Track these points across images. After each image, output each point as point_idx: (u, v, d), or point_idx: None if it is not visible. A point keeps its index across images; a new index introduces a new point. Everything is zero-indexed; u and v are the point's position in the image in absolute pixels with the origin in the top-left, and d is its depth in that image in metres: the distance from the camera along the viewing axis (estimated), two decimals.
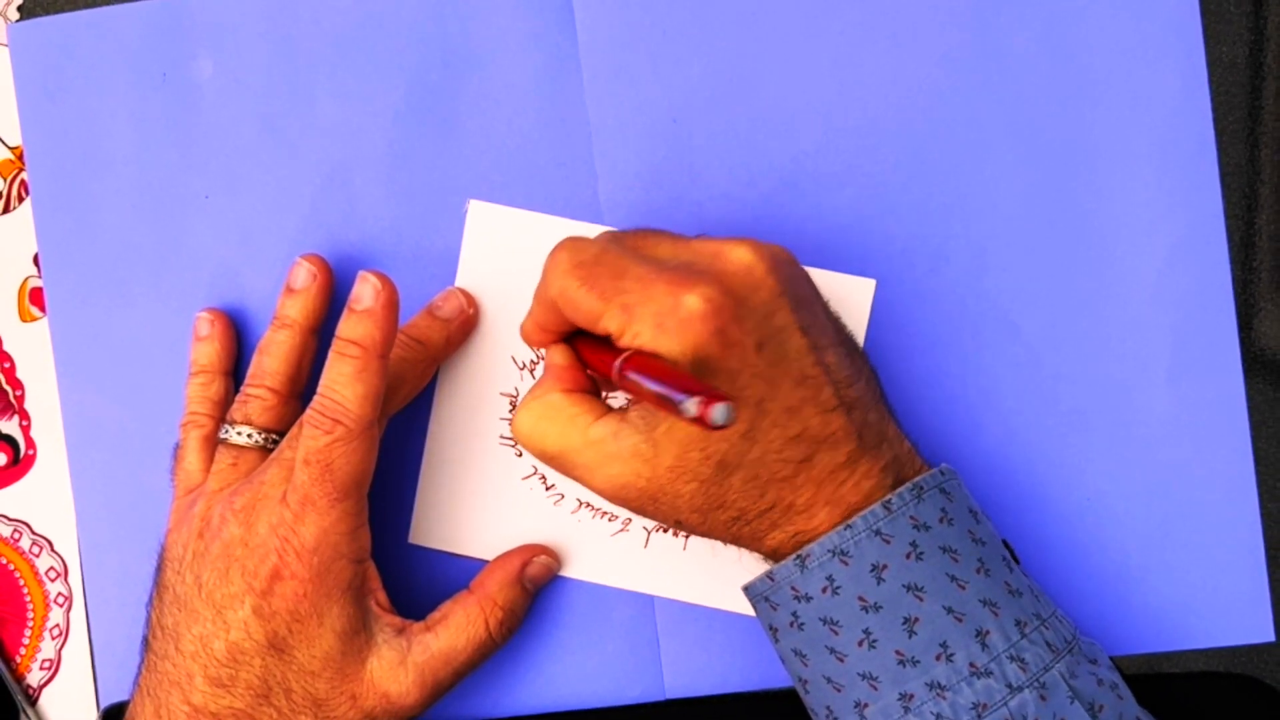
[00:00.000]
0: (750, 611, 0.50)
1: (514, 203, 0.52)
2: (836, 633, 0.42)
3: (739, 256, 0.42)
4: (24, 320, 0.54)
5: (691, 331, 0.40)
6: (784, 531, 0.43)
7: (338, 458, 0.44)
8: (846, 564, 0.41)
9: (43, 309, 0.53)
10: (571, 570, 0.51)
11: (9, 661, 0.53)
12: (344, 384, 0.44)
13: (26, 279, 0.53)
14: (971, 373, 0.51)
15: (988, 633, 0.41)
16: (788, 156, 0.51)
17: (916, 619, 0.41)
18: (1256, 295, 0.51)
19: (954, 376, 0.51)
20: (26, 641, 0.53)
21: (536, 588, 0.50)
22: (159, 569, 0.48)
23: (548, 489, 0.51)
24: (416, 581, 0.51)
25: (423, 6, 0.52)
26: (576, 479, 0.44)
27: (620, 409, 0.44)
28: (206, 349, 0.51)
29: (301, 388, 0.49)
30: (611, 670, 0.51)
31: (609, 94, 0.51)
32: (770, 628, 0.44)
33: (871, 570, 0.41)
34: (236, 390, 0.50)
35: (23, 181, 0.53)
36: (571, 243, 0.43)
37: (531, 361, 0.51)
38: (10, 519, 0.54)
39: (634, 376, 0.39)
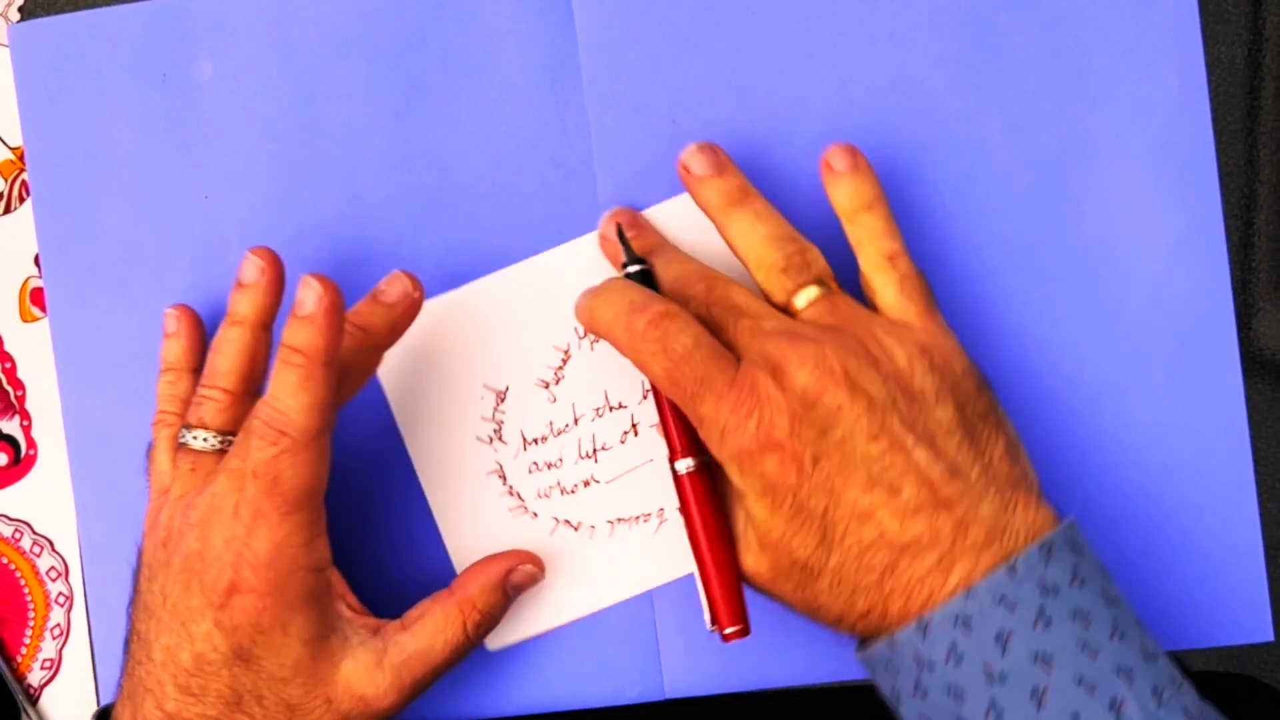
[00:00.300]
0: (748, 593, 0.50)
1: (515, 202, 0.52)
2: (961, 702, 0.40)
3: (800, 376, 0.43)
4: (25, 320, 0.54)
5: (746, 454, 0.43)
6: (893, 623, 0.42)
7: (284, 469, 0.43)
8: (969, 633, 0.40)
9: (43, 309, 0.53)
10: (563, 611, 0.51)
11: (10, 661, 0.53)
12: (288, 393, 0.43)
13: (27, 279, 0.54)
14: None
15: (1123, 703, 0.39)
16: (786, 157, 0.51)
17: (1045, 690, 0.39)
18: (1255, 295, 0.51)
19: None
20: (27, 641, 0.53)
21: (517, 594, 0.49)
22: (135, 573, 0.47)
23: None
24: (392, 577, 0.51)
25: (422, 8, 0.52)
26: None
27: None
28: (174, 346, 0.50)
29: (257, 385, 0.48)
30: (611, 670, 0.51)
31: (608, 95, 0.51)
32: (892, 691, 0.43)
33: (996, 639, 0.40)
34: None
35: (23, 182, 0.53)
36: (668, 324, 0.44)
37: (495, 431, 0.51)
38: (11, 519, 0.54)
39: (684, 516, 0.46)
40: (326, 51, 0.52)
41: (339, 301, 0.44)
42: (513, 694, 0.52)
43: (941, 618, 0.40)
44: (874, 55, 0.51)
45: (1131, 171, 0.51)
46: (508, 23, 0.52)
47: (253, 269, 0.48)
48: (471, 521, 0.51)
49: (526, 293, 0.51)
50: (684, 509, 0.46)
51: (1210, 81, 0.51)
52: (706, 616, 0.45)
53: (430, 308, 0.51)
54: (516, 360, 0.51)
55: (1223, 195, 0.51)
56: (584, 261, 0.51)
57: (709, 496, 0.45)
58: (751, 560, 0.44)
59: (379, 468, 0.52)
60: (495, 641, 0.51)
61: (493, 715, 0.52)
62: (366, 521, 0.51)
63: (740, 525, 0.45)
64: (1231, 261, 0.51)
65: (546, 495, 0.51)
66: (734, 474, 0.44)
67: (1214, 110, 0.51)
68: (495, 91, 0.52)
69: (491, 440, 0.51)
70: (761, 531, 0.44)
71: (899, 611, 0.42)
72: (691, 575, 0.51)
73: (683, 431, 0.46)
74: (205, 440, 0.47)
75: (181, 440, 0.47)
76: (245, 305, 0.48)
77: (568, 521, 0.51)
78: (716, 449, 0.44)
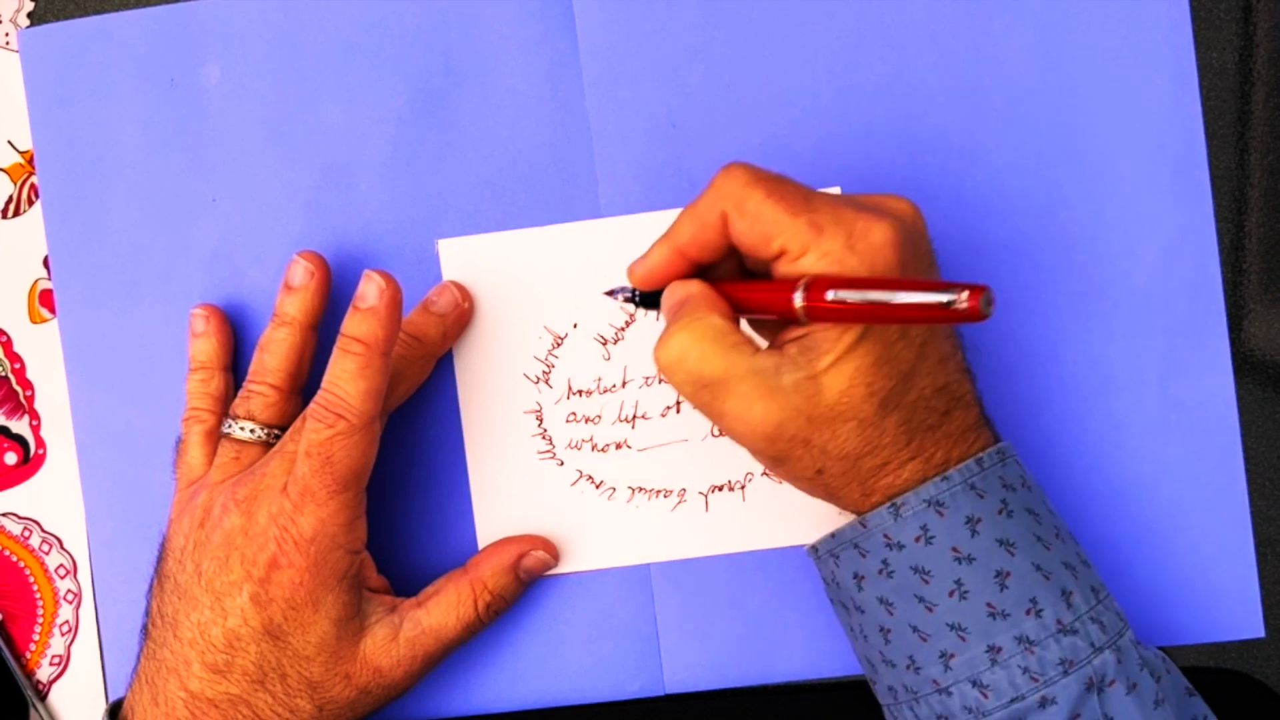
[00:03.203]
0: (748, 589, 0.51)
1: (517, 205, 0.52)
2: (927, 582, 0.42)
3: (904, 207, 0.43)
4: (34, 322, 0.54)
5: (883, 257, 0.40)
6: (912, 488, 0.42)
7: (338, 450, 0.45)
8: (942, 515, 0.42)
9: (52, 310, 0.54)
10: (571, 564, 0.52)
11: (19, 657, 0.54)
12: (347, 380, 0.45)
13: (36, 281, 0.54)
14: None
15: (1071, 593, 0.42)
16: (785, 160, 0.51)
17: (1008, 573, 0.42)
18: (1246, 297, 0.52)
19: None
20: (36, 638, 0.54)
21: (530, 579, 0.51)
22: (160, 559, 0.48)
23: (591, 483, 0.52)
24: (414, 557, 0.52)
25: (426, 13, 0.52)
26: (730, 413, 0.41)
27: (776, 347, 0.42)
28: (204, 345, 0.51)
29: (302, 383, 0.50)
30: (612, 666, 0.52)
31: (609, 99, 0.52)
32: (855, 575, 0.44)
33: (966, 522, 0.42)
34: (235, 385, 0.51)
35: (33, 185, 0.54)
36: (745, 165, 0.42)
37: (544, 373, 0.52)
38: (21, 517, 0.54)
39: (848, 294, 0.38)
40: (331, 57, 0.52)
41: (399, 296, 0.46)
42: (515, 688, 0.52)
43: (915, 500, 0.42)
44: (871, 61, 0.52)
45: (1124, 175, 0.51)
46: (510, 29, 0.52)
47: (302, 272, 0.49)
48: (498, 454, 0.52)
49: (609, 249, 0.52)
50: (847, 286, 0.39)
51: (1202, 86, 0.51)
52: (961, 300, 0.36)
53: (513, 239, 0.52)
54: (583, 309, 0.52)
55: (1214, 198, 0.51)
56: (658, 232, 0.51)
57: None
58: (820, 393, 0.41)
59: (405, 451, 0.52)
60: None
61: (495, 710, 0.52)
62: (396, 502, 0.52)
63: (812, 356, 0.41)
64: (1223, 264, 0.51)
65: (577, 447, 0.52)
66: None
67: (1206, 114, 0.51)
68: (498, 96, 0.52)
69: (538, 381, 0.52)
70: (858, 351, 0.41)
71: (941, 459, 0.42)
72: (692, 564, 0.51)
73: (770, 292, 0.41)
74: (253, 431, 0.48)
75: (226, 430, 0.49)
76: (294, 306, 0.49)
77: (590, 478, 0.52)
78: (837, 257, 0.40)
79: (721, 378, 0.41)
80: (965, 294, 0.36)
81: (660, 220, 0.51)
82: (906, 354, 0.41)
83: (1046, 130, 0.51)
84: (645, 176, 0.52)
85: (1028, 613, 0.41)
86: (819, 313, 0.39)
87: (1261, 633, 0.51)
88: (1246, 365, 0.52)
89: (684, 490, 0.51)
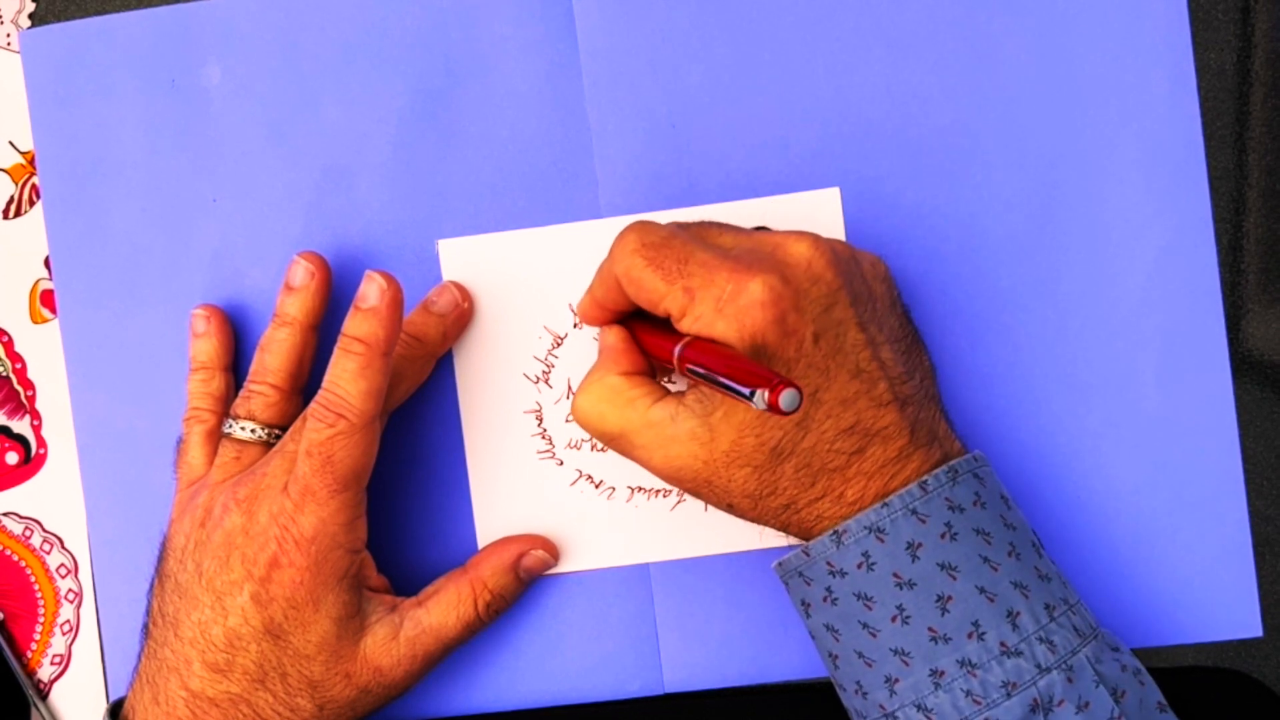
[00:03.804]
0: (748, 588, 0.51)
1: (517, 206, 0.52)
2: (870, 608, 0.42)
3: (800, 250, 0.43)
4: (35, 322, 0.54)
5: (750, 317, 0.42)
6: (831, 521, 0.44)
7: (339, 450, 0.45)
8: (882, 541, 0.42)
9: (53, 311, 0.54)
10: (570, 563, 0.52)
11: (20, 657, 0.54)
12: (348, 380, 0.45)
13: (37, 281, 0.54)
14: (962, 375, 0.51)
15: (1018, 614, 0.42)
16: (785, 161, 0.52)
17: (950, 597, 0.42)
18: (1244, 297, 0.52)
19: (944, 379, 0.51)
20: (38, 637, 0.54)
21: (531, 578, 0.51)
22: (161, 558, 0.48)
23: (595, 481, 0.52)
24: (414, 556, 0.52)
25: (426, 14, 0.52)
26: (635, 459, 0.46)
27: (678, 393, 0.45)
28: (205, 345, 0.51)
29: (303, 384, 0.50)
30: (611, 665, 0.52)
31: (609, 99, 0.52)
32: (803, 603, 0.45)
33: (907, 548, 0.42)
34: (235, 385, 0.51)
35: (34, 185, 0.54)
36: (640, 226, 0.45)
37: (544, 373, 0.52)
38: (22, 517, 0.54)
39: (696, 368, 0.41)
40: (332, 57, 0.53)
41: (400, 297, 0.46)
42: (514, 688, 0.52)
43: (856, 526, 0.42)
44: (869, 61, 0.52)
45: (1123, 175, 0.51)
46: (510, 29, 0.52)
47: (302, 272, 0.50)
48: (498, 453, 0.52)
49: (607, 249, 0.52)
50: (699, 356, 0.41)
51: (1200, 87, 0.51)
52: (759, 396, 0.38)
53: (513, 239, 0.52)
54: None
55: (1212, 199, 0.51)
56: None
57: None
58: (713, 440, 0.43)
59: (405, 451, 0.52)
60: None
61: (494, 709, 0.52)
62: (395, 501, 0.52)
63: (708, 405, 0.44)
64: (1221, 264, 0.51)
65: (577, 447, 0.52)
66: (729, 339, 0.42)
67: (1204, 115, 0.51)
68: (498, 97, 0.52)
69: (538, 380, 0.52)
70: (738, 409, 0.43)
71: (854, 496, 0.43)
72: (691, 563, 0.51)
73: (660, 337, 0.45)
74: (253, 431, 0.48)
75: (227, 431, 0.49)
76: (294, 307, 0.49)
77: (590, 477, 0.52)
78: (709, 325, 0.42)
79: (620, 432, 0.45)
80: (763, 394, 0.37)
81: (659, 220, 0.51)
82: None
83: (1045, 131, 0.51)
84: (645, 176, 0.52)
85: (970, 636, 0.42)
86: (692, 377, 0.42)
87: (1259, 632, 0.51)
88: (1244, 365, 0.52)
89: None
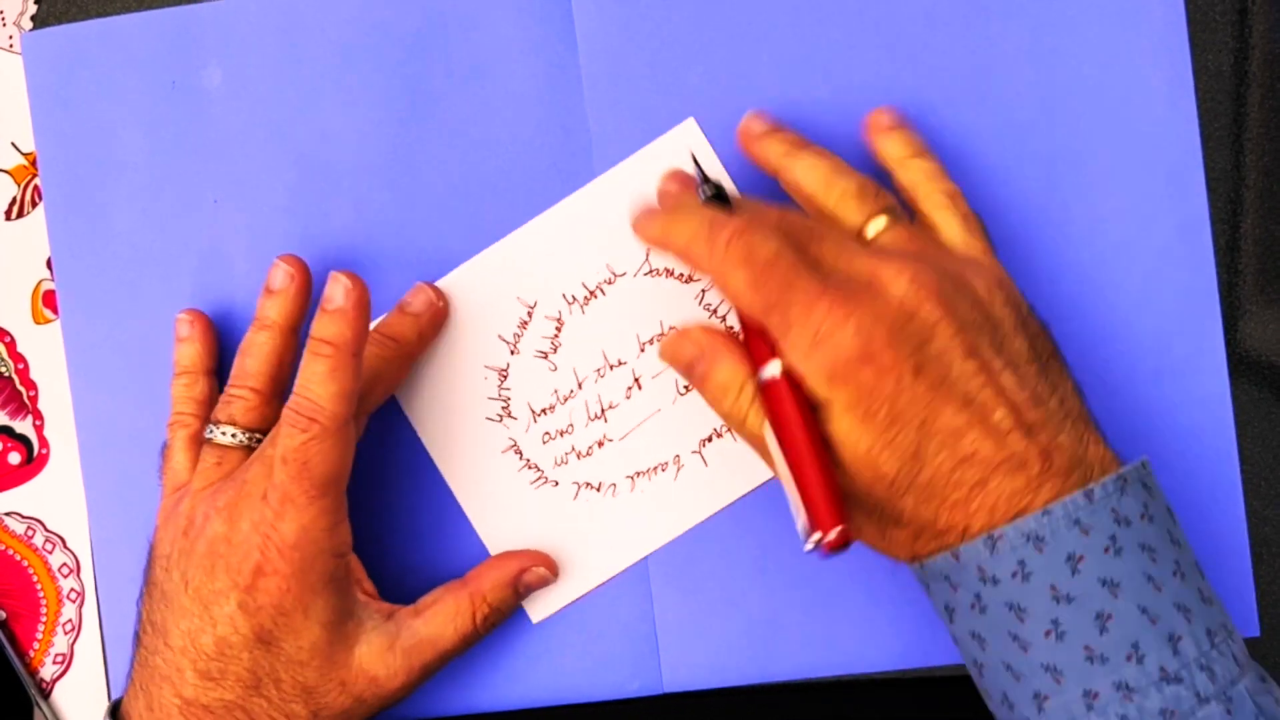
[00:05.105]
0: (748, 588, 0.51)
1: (517, 207, 0.52)
2: (1022, 620, 0.40)
3: (896, 288, 0.42)
4: (37, 322, 0.54)
5: (840, 362, 0.41)
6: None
7: (314, 455, 0.45)
8: (1041, 551, 0.40)
9: (55, 311, 0.54)
10: (601, 570, 0.52)
11: (23, 656, 0.54)
12: (318, 383, 0.45)
13: (40, 282, 0.54)
14: None
15: (1180, 638, 0.40)
16: None
17: (1110, 615, 0.40)
18: (1241, 298, 0.52)
19: None
20: (40, 636, 0.54)
21: (529, 593, 0.51)
22: (148, 566, 0.48)
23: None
24: (412, 563, 0.52)
25: (426, 16, 0.53)
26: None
27: None
28: (188, 350, 0.51)
29: (284, 387, 0.50)
30: (610, 664, 0.52)
31: (609, 101, 0.52)
32: (946, 608, 0.43)
33: (1067, 560, 0.40)
34: (219, 390, 0.51)
35: (36, 187, 0.54)
36: (751, 234, 0.43)
37: (503, 410, 0.52)
38: (24, 516, 0.54)
39: (770, 435, 0.43)
40: (332, 59, 0.53)
41: (366, 297, 0.46)
42: (513, 687, 0.52)
43: (1014, 533, 0.40)
44: (868, 62, 0.52)
45: (1120, 176, 0.51)
46: (510, 30, 0.52)
47: (282, 275, 0.49)
48: (496, 500, 0.52)
49: (510, 270, 0.52)
50: (775, 413, 0.43)
51: (1197, 89, 0.51)
52: (803, 525, 0.41)
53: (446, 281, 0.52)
54: (513, 334, 0.52)
55: (1210, 200, 0.51)
56: (556, 232, 0.52)
57: (800, 398, 0.43)
58: (841, 470, 0.43)
59: (396, 459, 0.52)
60: (538, 613, 0.52)
61: (494, 709, 0.52)
62: (388, 511, 0.52)
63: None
64: (1218, 265, 0.51)
65: (564, 462, 0.52)
66: (819, 384, 0.42)
67: (1201, 117, 0.51)
68: (497, 98, 0.52)
69: (501, 418, 0.52)
70: (847, 445, 0.42)
71: (980, 527, 0.41)
72: (691, 563, 0.51)
73: (762, 341, 0.44)
74: (234, 436, 0.48)
75: (208, 436, 0.48)
76: (274, 310, 0.49)
77: (589, 484, 0.52)
78: (803, 358, 0.42)
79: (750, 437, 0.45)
80: (820, 536, 0.39)
81: (549, 226, 0.52)
82: (905, 438, 0.41)
83: (1042, 132, 0.51)
84: None
85: (1128, 658, 0.39)
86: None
87: (1256, 632, 0.51)
88: (1242, 366, 0.52)
89: (677, 456, 0.52)
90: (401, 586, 0.51)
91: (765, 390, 0.43)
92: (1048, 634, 0.40)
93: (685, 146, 0.51)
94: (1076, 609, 0.40)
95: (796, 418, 0.42)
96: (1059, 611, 0.40)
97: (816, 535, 0.40)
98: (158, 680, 0.46)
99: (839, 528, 0.40)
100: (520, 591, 0.50)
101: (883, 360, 0.41)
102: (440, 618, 0.48)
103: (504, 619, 0.50)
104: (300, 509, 0.45)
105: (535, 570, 0.50)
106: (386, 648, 0.47)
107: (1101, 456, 0.43)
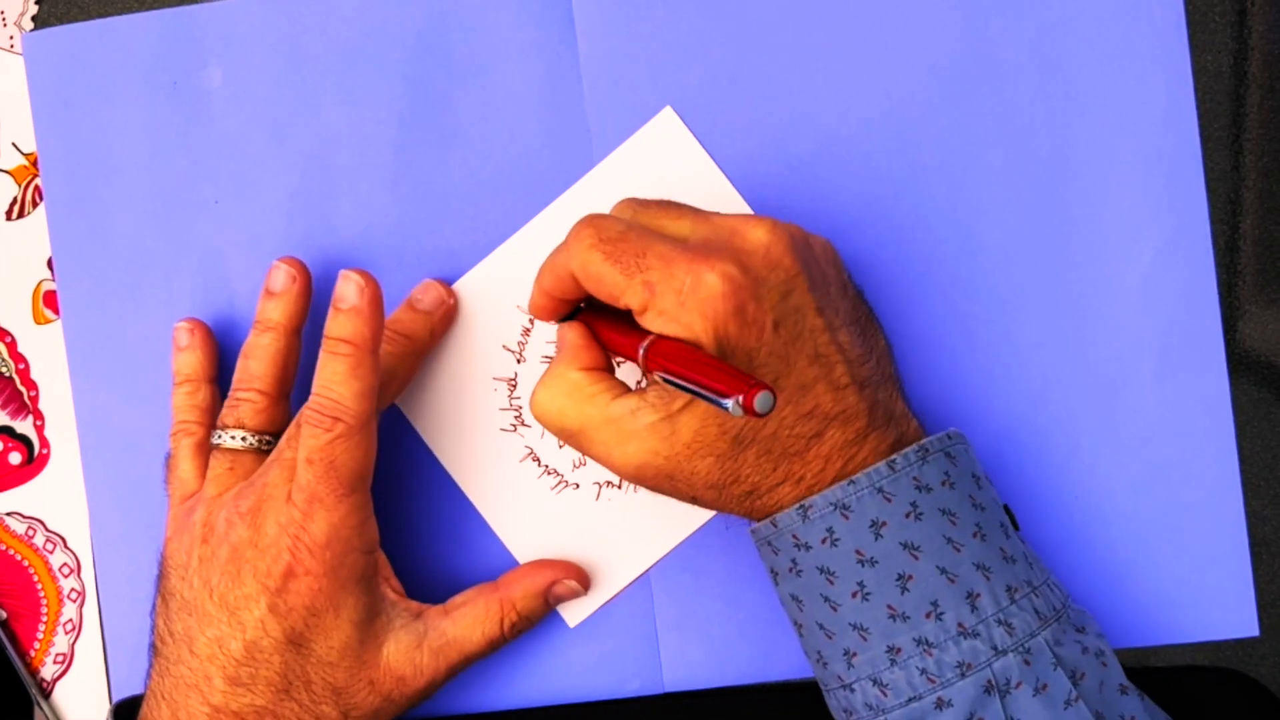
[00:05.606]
0: (748, 588, 0.51)
1: (518, 207, 0.52)
2: (832, 582, 0.43)
3: (757, 235, 0.43)
4: (38, 323, 0.54)
5: (712, 309, 0.41)
6: (789, 505, 0.44)
7: (340, 454, 0.45)
8: (847, 518, 0.42)
9: (56, 311, 0.54)
10: (633, 566, 0.52)
11: (24, 655, 0.54)
12: (339, 382, 0.45)
13: (40, 282, 0.54)
14: (961, 374, 0.52)
15: (978, 595, 0.42)
16: (783, 164, 0.52)
17: (910, 576, 0.42)
18: (1240, 298, 0.52)
19: (941, 380, 0.52)
20: (40, 636, 0.54)
21: (558, 604, 0.51)
22: (161, 577, 0.48)
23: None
24: (432, 567, 0.52)
25: (426, 16, 0.53)
26: (595, 456, 0.45)
27: (638, 388, 0.45)
28: (189, 358, 0.51)
29: (289, 389, 0.50)
30: (611, 664, 0.52)
31: (609, 101, 0.52)
32: (771, 570, 0.45)
33: (870, 526, 0.42)
34: (221, 397, 0.51)
35: (37, 187, 0.54)
36: (595, 219, 0.44)
37: (515, 420, 0.52)
38: (25, 516, 0.54)
39: (667, 376, 0.41)
40: (333, 59, 0.53)
41: (379, 293, 0.46)
42: (514, 687, 0.52)
43: (822, 502, 0.43)
44: (868, 62, 0.52)
45: (1120, 177, 0.51)
46: (510, 31, 0.52)
47: (284, 277, 0.49)
48: (519, 510, 0.52)
49: (505, 280, 0.52)
50: (664, 363, 0.41)
51: (1197, 89, 0.52)
52: (731, 403, 0.38)
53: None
54: (516, 343, 0.52)
55: (1209, 200, 0.52)
56: (546, 237, 0.52)
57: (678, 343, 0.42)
58: (675, 434, 0.43)
59: (413, 474, 0.52)
60: (574, 617, 0.52)
61: (495, 709, 0.52)
62: (414, 515, 0.52)
63: (669, 398, 0.43)
64: (1217, 265, 0.52)
65: (583, 463, 0.52)
66: (689, 338, 0.42)
67: (1200, 117, 0.52)
68: (498, 98, 0.52)
69: (515, 427, 0.52)
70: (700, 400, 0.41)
71: (812, 479, 0.43)
72: (691, 563, 0.51)
73: (628, 327, 0.44)
74: (244, 440, 0.48)
75: (216, 441, 0.48)
76: (276, 312, 0.49)
77: (610, 483, 0.52)
78: (671, 320, 0.42)
79: (580, 428, 0.45)
80: (736, 401, 0.37)
81: (552, 224, 0.52)
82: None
83: (1042, 132, 0.51)
84: None
85: (928, 615, 0.42)
86: (659, 374, 0.41)
87: (1256, 631, 0.51)
88: (1241, 366, 0.52)
89: None
90: (425, 593, 0.51)
91: (647, 359, 0.42)
92: (854, 595, 0.43)
93: (666, 135, 0.51)
94: (880, 571, 0.42)
95: (682, 349, 0.41)
96: (864, 574, 0.42)
97: (740, 397, 0.38)
98: (183, 689, 0.46)
99: (754, 384, 0.38)
100: (550, 602, 0.50)
101: (748, 312, 0.42)
102: (468, 620, 0.48)
103: (531, 627, 0.50)
104: (329, 508, 0.45)
105: (566, 583, 0.50)
106: (414, 646, 0.47)
107: (905, 413, 0.45)
